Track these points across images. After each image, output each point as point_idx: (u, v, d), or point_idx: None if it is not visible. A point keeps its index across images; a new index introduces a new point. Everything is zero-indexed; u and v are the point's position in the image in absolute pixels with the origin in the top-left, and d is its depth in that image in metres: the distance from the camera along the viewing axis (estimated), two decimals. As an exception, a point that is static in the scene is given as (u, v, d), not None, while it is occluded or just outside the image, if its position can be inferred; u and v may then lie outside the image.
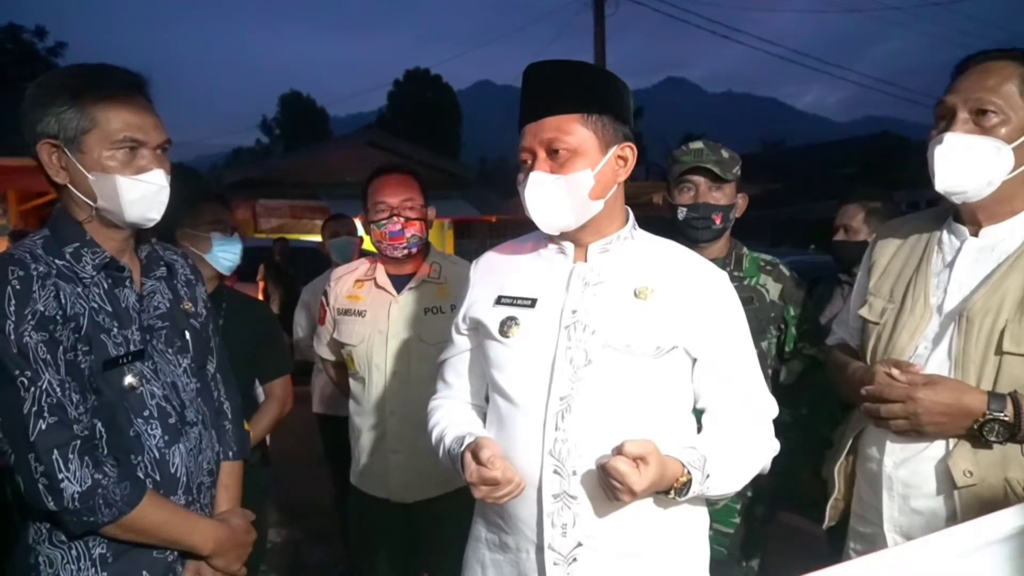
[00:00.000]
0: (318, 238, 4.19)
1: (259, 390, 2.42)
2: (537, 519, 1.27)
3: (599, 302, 1.29)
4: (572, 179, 1.26)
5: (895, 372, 1.35)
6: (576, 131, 1.26)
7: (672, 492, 1.20)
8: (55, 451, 1.18)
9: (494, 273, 1.43)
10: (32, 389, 1.18)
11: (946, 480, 1.32)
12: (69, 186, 1.29)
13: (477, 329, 1.41)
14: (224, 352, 1.60)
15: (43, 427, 1.18)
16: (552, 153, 1.27)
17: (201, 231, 2.19)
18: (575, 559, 1.26)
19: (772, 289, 1.96)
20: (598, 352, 1.26)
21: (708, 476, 1.22)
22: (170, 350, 1.40)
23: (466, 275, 2.07)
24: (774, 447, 1.34)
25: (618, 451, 1.15)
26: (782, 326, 1.96)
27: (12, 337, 1.18)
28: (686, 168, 1.93)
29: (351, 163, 13.57)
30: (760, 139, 38.91)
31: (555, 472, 1.25)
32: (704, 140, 1.99)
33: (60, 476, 1.18)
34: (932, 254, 1.44)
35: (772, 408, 1.37)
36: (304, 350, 3.53)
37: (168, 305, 1.43)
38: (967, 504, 1.29)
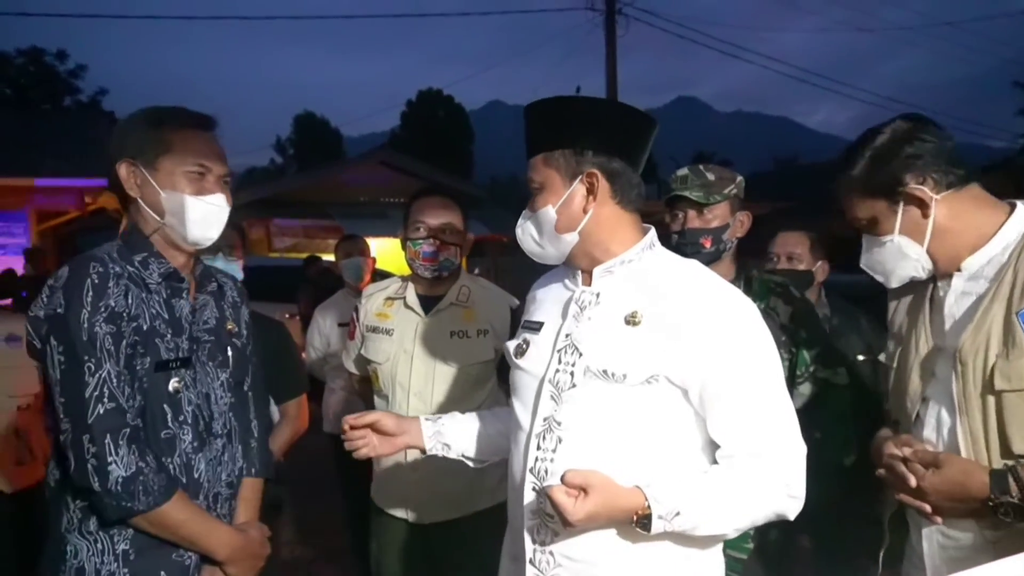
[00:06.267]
0: (331, 257, 4.24)
1: (273, 409, 2.43)
2: (522, 533, 1.32)
3: (591, 326, 1.30)
4: (537, 217, 1.34)
5: (906, 451, 1.34)
6: (540, 170, 1.33)
7: (635, 524, 1.16)
8: (107, 435, 1.27)
9: (531, 301, 1.50)
10: (97, 374, 1.28)
11: (978, 532, 1.30)
12: (140, 201, 1.43)
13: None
14: (260, 374, 1.67)
15: (101, 411, 1.27)
16: (533, 192, 1.36)
17: None
18: None
19: (783, 312, 1.96)
20: (581, 377, 1.27)
21: (678, 514, 1.15)
22: (211, 363, 1.49)
23: (495, 300, 2.05)
24: (793, 493, 1.22)
25: (561, 479, 1.14)
26: (793, 349, 1.95)
27: (85, 325, 1.28)
28: (670, 196, 1.99)
29: (364, 183, 13.70)
30: (772, 157, 38.86)
31: (534, 490, 1.29)
32: (691, 165, 2.02)
33: (109, 459, 1.26)
34: (929, 290, 1.44)
35: (794, 451, 1.24)
36: (316, 371, 3.55)
37: (215, 322, 1.52)
38: (1004, 553, 1.26)
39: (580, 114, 1.31)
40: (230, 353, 1.54)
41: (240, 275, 2.24)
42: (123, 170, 1.42)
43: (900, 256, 1.39)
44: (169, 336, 1.40)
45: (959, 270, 1.37)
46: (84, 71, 28.43)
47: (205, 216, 1.44)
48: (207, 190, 1.44)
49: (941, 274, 1.40)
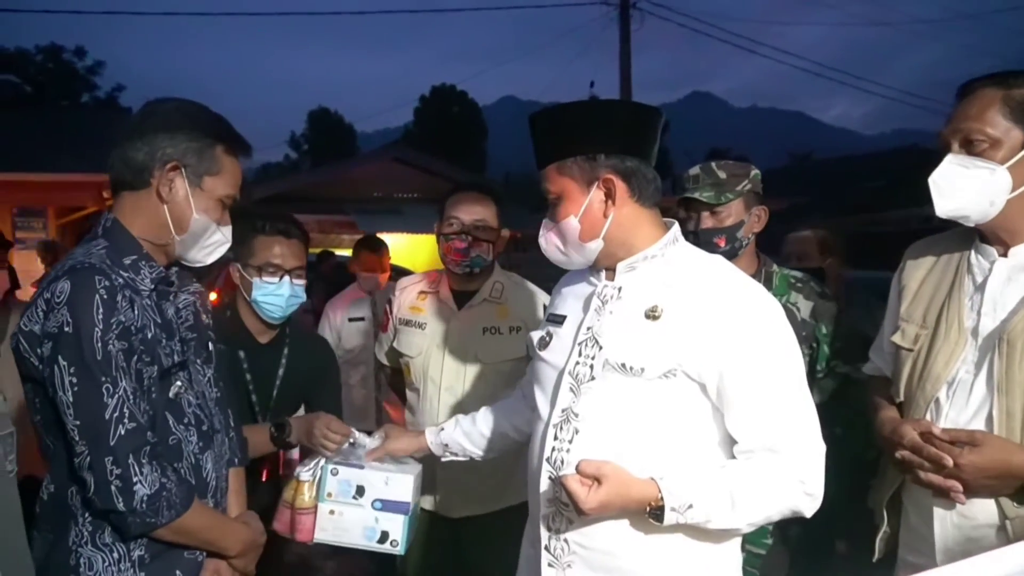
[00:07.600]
0: (345, 252, 4.22)
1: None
2: (538, 520, 1.34)
3: (612, 320, 1.31)
4: (561, 227, 1.34)
5: (936, 431, 1.31)
6: (556, 180, 1.32)
7: (648, 515, 1.18)
8: (131, 455, 1.24)
9: (556, 294, 1.51)
10: (116, 394, 1.24)
11: (998, 510, 1.30)
12: (165, 208, 1.35)
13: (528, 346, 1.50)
14: (222, 362, 1.64)
15: (123, 432, 1.24)
16: (550, 203, 1.35)
17: (247, 272, 1.93)
18: (569, 565, 1.29)
19: (803, 307, 1.94)
20: (600, 369, 1.28)
21: (691, 506, 1.16)
22: (198, 361, 1.47)
23: (529, 296, 2.08)
24: (809, 491, 1.22)
25: (576, 468, 1.17)
26: (814, 344, 1.93)
27: (98, 344, 1.23)
28: (682, 197, 1.97)
29: (378, 178, 13.72)
30: (787, 152, 38.54)
31: (550, 478, 1.31)
32: (703, 164, 1.99)
33: (135, 479, 1.23)
34: (963, 276, 1.41)
35: (812, 448, 1.23)
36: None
37: (194, 318, 1.50)
38: (1021, 534, 1.27)
39: (586, 119, 1.31)
40: (211, 348, 1.52)
41: (303, 296, 1.99)
42: (171, 173, 1.34)
43: (982, 189, 1.31)
44: (164, 341, 1.36)
45: (1005, 255, 1.36)
46: (102, 68, 28.78)
47: (218, 246, 1.43)
48: (225, 220, 1.42)
49: (984, 238, 1.38)
